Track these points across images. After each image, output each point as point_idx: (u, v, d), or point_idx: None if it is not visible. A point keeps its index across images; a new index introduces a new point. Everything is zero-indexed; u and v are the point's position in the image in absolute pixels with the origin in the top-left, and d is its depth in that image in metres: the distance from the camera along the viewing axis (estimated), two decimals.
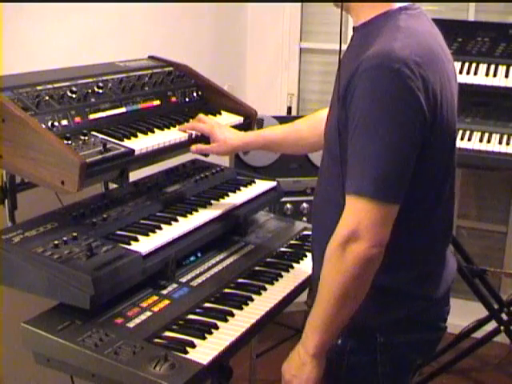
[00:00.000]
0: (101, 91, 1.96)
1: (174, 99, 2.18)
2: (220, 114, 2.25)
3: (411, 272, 1.56)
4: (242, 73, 3.82)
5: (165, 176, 2.20)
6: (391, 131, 1.38)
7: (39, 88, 1.82)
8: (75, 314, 1.60)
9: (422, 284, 1.58)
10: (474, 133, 2.87)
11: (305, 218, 3.16)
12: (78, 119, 1.83)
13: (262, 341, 3.18)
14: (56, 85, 1.88)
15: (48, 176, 1.66)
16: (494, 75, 2.86)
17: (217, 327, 1.67)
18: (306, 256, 2.11)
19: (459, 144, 2.79)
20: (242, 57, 3.81)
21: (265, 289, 1.90)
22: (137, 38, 2.75)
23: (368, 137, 1.39)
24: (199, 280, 1.89)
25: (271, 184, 2.33)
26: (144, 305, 1.72)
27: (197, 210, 2.00)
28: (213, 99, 2.30)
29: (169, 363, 1.48)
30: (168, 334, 1.63)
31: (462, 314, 3.19)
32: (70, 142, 1.72)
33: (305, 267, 2.04)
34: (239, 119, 2.26)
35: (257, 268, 2.03)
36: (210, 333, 1.64)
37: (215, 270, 1.96)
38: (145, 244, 1.76)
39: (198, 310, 1.75)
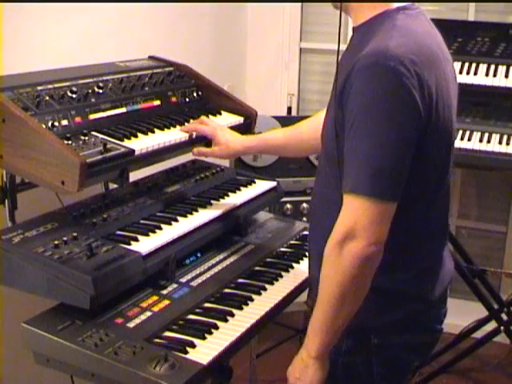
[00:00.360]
0: (101, 91, 1.96)
1: (174, 99, 2.18)
2: (220, 114, 2.25)
3: (408, 273, 1.56)
4: (242, 73, 3.82)
5: (165, 176, 2.20)
6: (387, 129, 1.38)
7: (39, 88, 1.82)
8: (75, 314, 1.60)
9: (419, 285, 1.58)
10: (474, 133, 2.87)
11: (305, 218, 3.16)
12: (78, 119, 1.83)
13: (261, 341, 3.18)
14: (56, 85, 1.88)
15: (48, 176, 1.66)
16: (494, 75, 2.86)
17: (217, 327, 1.67)
18: (306, 256, 2.11)
19: (459, 144, 2.79)
20: (242, 57, 3.80)
21: (265, 289, 1.90)
22: (137, 38, 2.75)
23: (364, 135, 1.39)
24: (199, 280, 1.89)
25: (271, 184, 2.33)
26: (144, 305, 1.72)
27: (197, 210, 2.00)
28: (213, 99, 2.30)
29: (169, 363, 1.48)
30: (168, 334, 1.63)
31: (462, 314, 3.20)
32: (70, 142, 1.72)
33: (305, 267, 2.03)
34: (239, 119, 2.26)
35: (257, 268, 2.03)
36: (210, 333, 1.64)
37: (215, 270, 1.96)
38: (145, 244, 1.76)
39: (197, 310, 1.75)
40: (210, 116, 2.19)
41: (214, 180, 2.26)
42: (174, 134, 2.00)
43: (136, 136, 1.89)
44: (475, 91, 2.88)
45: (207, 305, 1.79)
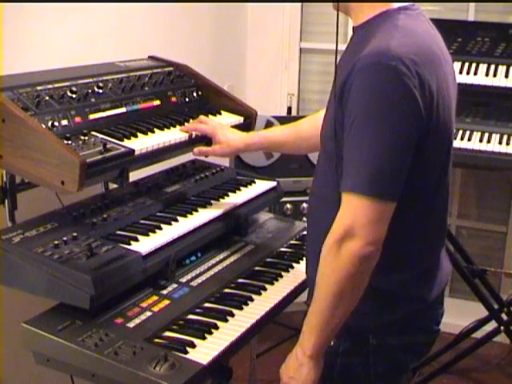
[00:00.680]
0: (101, 91, 1.96)
1: (174, 99, 2.18)
2: (220, 114, 2.25)
3: (405, 273, 1.56)
4: (242, 73, 3.82)
5: (165, 176, 2.20)
6: (387, 129, 1.38)
7: (39, 88, 1.82)
8: (75, 314, 1.60)
9: (416, 286, 1.58)
10: (474, 133, 2.87)
11: (305, 218, 3.16)
12: (78, 119, 1.83)
13: (261, 341, 3.18)
14: (56, 85, 1.88)
15: (48, 176, 1.66)
16: (494, 75, 2.86)
17: (217, 327, 1.67)
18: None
19: (459, 144, 2.79)
20: (242, 57, 3.80)
21: (265, 289, 1.90)
22: (137, 38, 2.75)
23: (364, 134, 1.39)
24: (199, 280, 1.89)
25: (271, 184, 2.33)
26: (144, 305, 1.72)
27: (197, 210, 2.00)
28: (213, 99, 2.30)
29: (169, 363, 1.48)
30: (168, 334, 1.63)
31: (462, 314, 3.20)
32: (70, 142, 1.72)
33: (305, 267, 2.04)
34: (239, 119, 2.26)
35: (257, 268, 2.03)
36: (210, 333, 1.64)
37: (215, 269, 1.96)
38: (145, 244, 1.76)
39: (197, 310, 1.75)
40: (210, 116, 2.19)
41: (213, 180, 2.26)
42: (174, 134, 2.00)
43: (136, 136, 1.89)
44: (475, 91, 2.88)
45: (207, 305, 1.79)
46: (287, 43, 3.81)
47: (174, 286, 1.83)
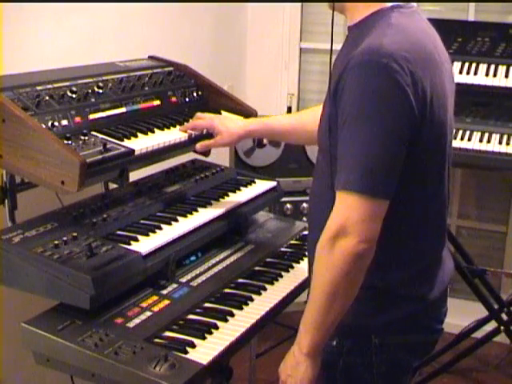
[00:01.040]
0: (101, 91, 1.96)
1: (174, 99, 2.18)
2: (220, 114, 2.25)
3: (406, 272, 1.55)
4: (242, 73, 3.82)
5: (165, 176, 2.20)
6: (379, 126, 1.37)
7: (39, 88, 1.82)
8: (75, 314, 1.60)
9: (418, 284, 1.58)
10: (474, 133, 2.87)
11: (305, 218, 3.16)
12: (78, 119, 1.83)
13: (261, 341, 3.18)
14: (56, 85, 1.88)
15: (48, 176, 1.66)
16: (494, 75, 2.86)
17: (217, 327, 1.67)
18: (306, 256, 2.11)
19: (459, 144, 2.79)
20: (242, 57, 3.80)
21: (265, 289, 1.90)
22: (137, 38, 2.75)
23: (356, 132, 1.39)
24: (199, 280, 1.89)
25: (271, 184, 2.33)
26: (144, 305, 1.72)
27: (197, 210, 2.00)
28: (213, 99, 2.30)
29: (169, 363, 1.48)
30: (168, 334, 1.63)
31: (462, 314, 3.20)
32: (70, 142, 1.72)
33: (305, 267, 2.03)
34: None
35: (257, 268, 2.03)
36: (210, 333, 1.64)
37: (215, 269, 1.96)
38: (145, 244, 1.76)
39: (197, 310, 1.75)
40: None
41: (213, 180, 2.26)
42: (174, 134, 2.00)
43: (136, 136, 1.89)
44: (475, 91, 2.88)
45: (207, 305, 1.79)
46: (287, 43, 3.81)
47: (174, 285, 1.83)
